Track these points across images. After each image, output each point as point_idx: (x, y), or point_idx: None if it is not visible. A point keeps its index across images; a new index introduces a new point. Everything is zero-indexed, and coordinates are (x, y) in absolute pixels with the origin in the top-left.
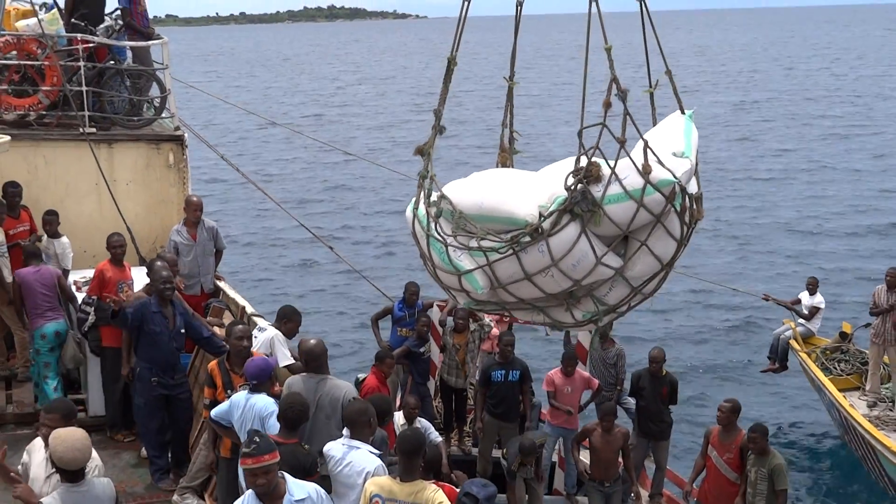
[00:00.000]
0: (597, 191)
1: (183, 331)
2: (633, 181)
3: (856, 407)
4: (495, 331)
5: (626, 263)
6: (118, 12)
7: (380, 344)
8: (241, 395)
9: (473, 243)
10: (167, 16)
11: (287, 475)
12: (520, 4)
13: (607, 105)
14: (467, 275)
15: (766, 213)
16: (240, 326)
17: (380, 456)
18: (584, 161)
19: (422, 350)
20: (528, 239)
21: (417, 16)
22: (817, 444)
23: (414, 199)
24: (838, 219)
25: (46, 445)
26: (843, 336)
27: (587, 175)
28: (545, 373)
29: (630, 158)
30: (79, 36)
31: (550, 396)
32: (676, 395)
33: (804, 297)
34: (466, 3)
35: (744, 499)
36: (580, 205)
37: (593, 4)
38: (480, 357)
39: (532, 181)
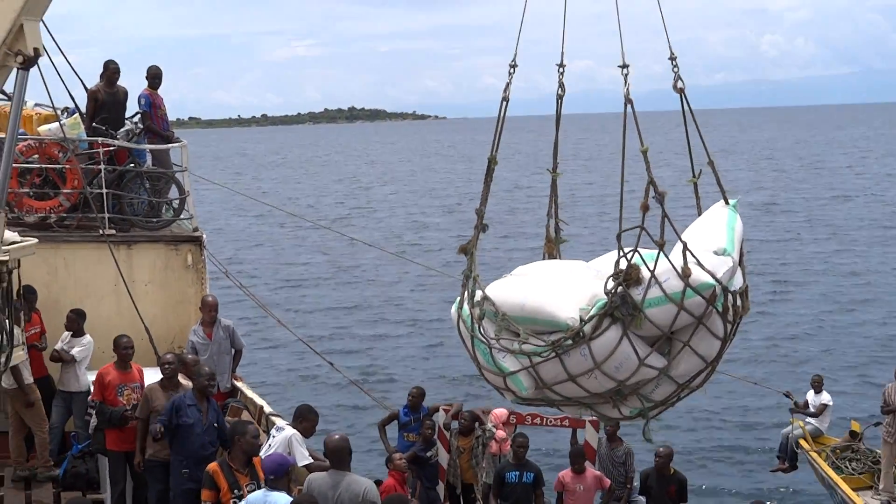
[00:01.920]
0: (637, 294)
1: (216, 425)
2: (673, 284)
3: None
4: (500, 433)
5: (670, 363)
6: (139, 116)
7: (387, 450)
8: (258, 495)
9: (516, 346)
10: (190, 118)
11: None
12: (560, 98)
13: (645, 208)
14: (512, 376)
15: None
16: (253, 426)
17: None
18: (623, 264)
19: (429, 454)
20: (570, 342)
21: (436, 116)
22: None
23: (458, 299)
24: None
25: None
26: (854, 435)
27: (627, 278)
28: (549, 468)
29: (669, 261)
30: (99, 140)
31: (560, 498)
32: (686, 493)
33: (810, 395)
34: (505, 103)
35: None
36: (620, 309)
37: (629, 106)
38: (486, 459)
39: (574, 279)
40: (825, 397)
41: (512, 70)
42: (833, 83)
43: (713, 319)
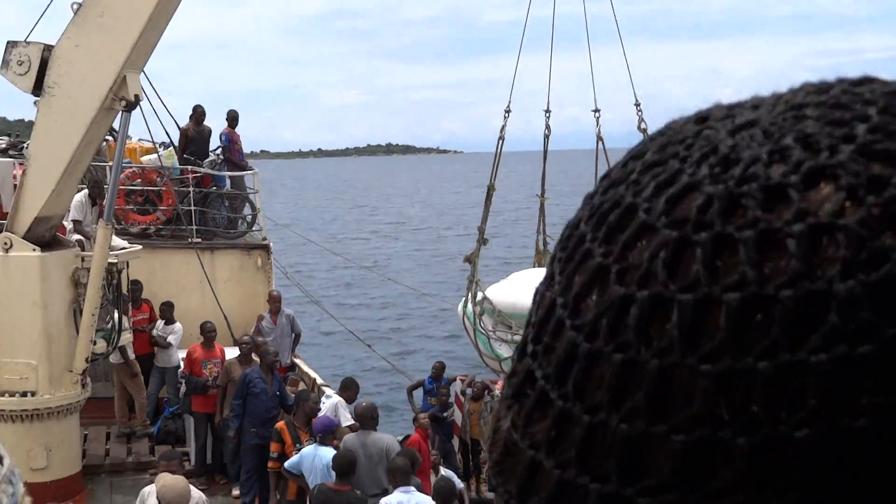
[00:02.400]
0: None
1: (278, 393)
2: None
3: None
4: None
5: None
6: (220, 149)
7: (413, 410)
8: (310, 448)
9: (509, 337)
10: (261, 151)
11: None
12: (546, 137)
13: None
14: (506, 362)
15: None
16: (314, 394)
17: None
18: None
19: (445, 415)
20: None
21: (455, 151)
22: None
23: (463, 299)
24: None
25: None
26: None
27: None
28: None
29: None
30: (189, 168)
31: None
32: None
33: None
34: (501, 141)
35: None
36: None
37: (599, 143)
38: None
39: None
40: None
41: (506, 115)
42: None
43: None
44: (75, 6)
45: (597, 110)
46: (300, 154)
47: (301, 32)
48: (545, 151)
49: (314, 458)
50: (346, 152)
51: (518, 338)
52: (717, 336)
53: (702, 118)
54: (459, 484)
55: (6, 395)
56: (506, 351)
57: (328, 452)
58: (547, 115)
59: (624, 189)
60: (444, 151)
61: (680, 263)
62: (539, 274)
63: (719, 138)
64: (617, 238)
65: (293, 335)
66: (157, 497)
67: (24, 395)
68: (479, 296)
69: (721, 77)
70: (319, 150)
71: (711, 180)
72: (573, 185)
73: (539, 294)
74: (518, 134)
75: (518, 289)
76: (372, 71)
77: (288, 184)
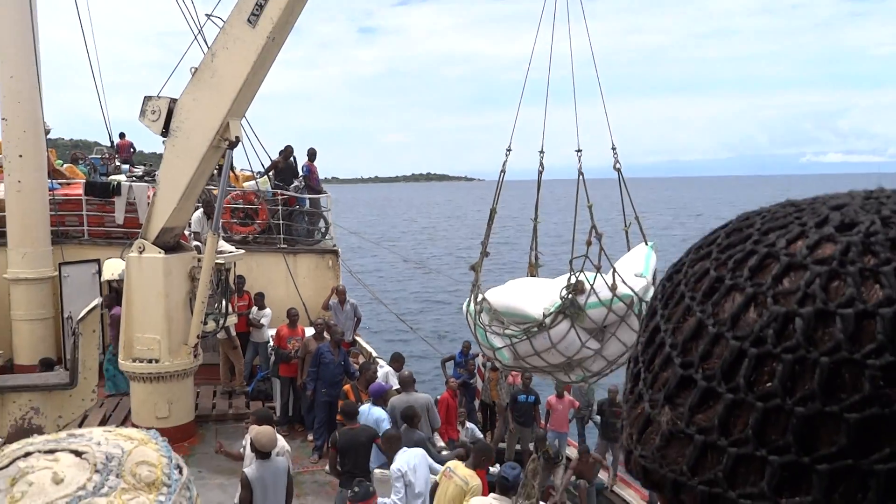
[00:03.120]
0: (581, 300)
1: (342, 363)
2: (605, 294)
3: None
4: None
5: (602, 346)
6: (302, 177)
7: (445, 376)
8: (365, 406)
9: (500, 330)
10: (332, 177)
11: None
12: (540, 173)
13: (588, 243)
14: (498, 350)
15: None
16: (373, 365)
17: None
18: (573, 280)
19: (471, 381)
20: (535, 330)
21: (480, 179)
22: None
23: (467, 299)
24: None
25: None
26: None
27: (574, 289)
28: (543, 394)
29: (603, 279)
30: (278, 191)
31: (548, 413)
32: None
33: None
34: (502, 174)
35: None
36: (569, 309)
37: (580, 177)
38: (505, 387)
39: (541, 290)
40: None
41: (508, 153)
42: (719, 163)
43: (632, 319)
44: (193, 70)
45: (579, 150)
46: (361, 180)
47: (362, 88)
48: (538, 184)
49: (368, 414)
50: (395, 179)
51: (508, 332)
52: (876, 337)
53: (791, 203)
54: (479, 434)
55: (139, 361)
56: (498, 342)
57: (378, 411)
58: (541, 155)
59: (752, 244)
60: (471, 179)
61: (833, 289)
62: (530, 282)
63: (826, 210)
64: (762, 274)
65: (355, 319)
66: (252, 441)
67: (150, 361)
68: (479, 297)
69: (679, 125)
70: (376, 177)
71: (840, 234)
72: (560, 209)
73: (678, 318)
74: (525, 165)
75: (510, 293)
76: (415, 117)
77: (352, 203)
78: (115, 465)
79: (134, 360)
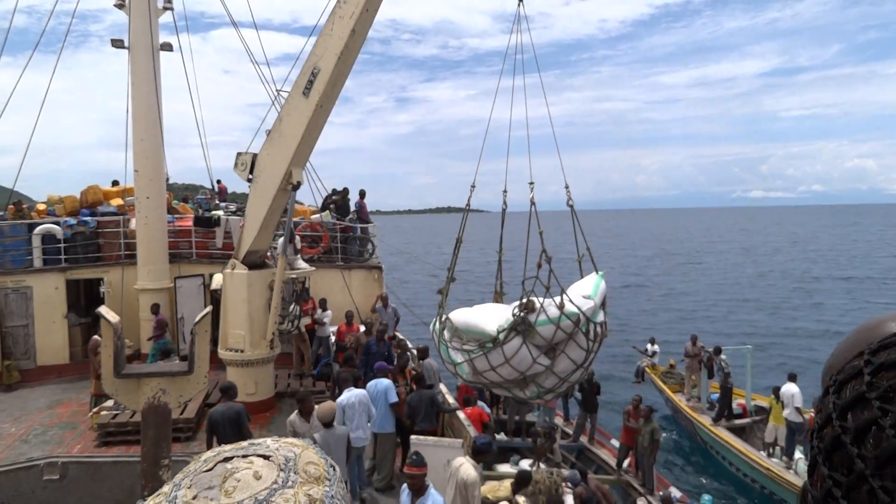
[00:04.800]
0: (532, 318)
1: (386, 354)
2: (554, 312)
3: (680, 400)
4: None
5: (553, 363)
6: (355, 212)
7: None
8: (373, 381)
9: (459, 345)
10: (377, 210)
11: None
12: (503, 210)
13: (539, 266)
14: (458, 366)
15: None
16: (406, 354)
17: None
18: (524, 299)
19: None
20: (490, 345)
21: (489, 211)
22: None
23: (434, 319)
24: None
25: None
26: (671, 366)
27: (526, 308)
28: None
29: (552, 299)
30: (337, 221)
31: None
32: (600, 389)
33: (649, 346)
34: (467, 206)
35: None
36: (521, 326)
37: (532, 207)
38: None
39: (498, 311)
40: (657, 349)
41: (472, 189)
42: (668, 198)
43: (580, 337)
44: (267, 131)
45: (531, 182)
46: (398, 212)
47: (398, 143)
48: (503, 220)
49: (376, 385)
50: (423, 211)
51: (466, 347)
52: None
53: None
54: (487, 408)
55: (231, 350)
56: (459, 357)
57: (383, 382)
58: (504, 193)
59: None
60: (480, 211)
61: None
62: (494, 308)
63: None
64: None
65: (396, 319)
66: (316, 414)
67: (237, 351)
68: (444, 317)
69: (638, 169)
70: (409, 210)
71: None
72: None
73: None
74: (520, 199)
75: (470, 312)
76: (439, 165)
77: (393, 230)
78: (292, 465)
79: (227, 350)
